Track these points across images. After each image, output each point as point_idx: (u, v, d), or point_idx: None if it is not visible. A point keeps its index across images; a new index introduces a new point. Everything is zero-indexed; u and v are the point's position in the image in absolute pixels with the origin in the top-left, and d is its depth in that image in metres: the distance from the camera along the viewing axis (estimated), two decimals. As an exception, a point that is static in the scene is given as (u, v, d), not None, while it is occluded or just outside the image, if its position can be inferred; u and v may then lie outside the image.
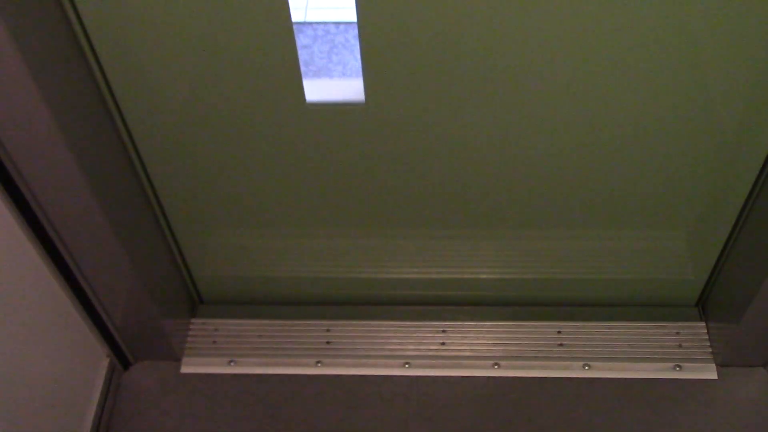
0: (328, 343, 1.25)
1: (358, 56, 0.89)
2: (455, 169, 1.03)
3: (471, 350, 1.23)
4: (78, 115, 0.86)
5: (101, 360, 1.19)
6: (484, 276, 1.24)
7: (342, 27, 2.05)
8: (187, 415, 1.19)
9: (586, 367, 1.21)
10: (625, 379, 1.19)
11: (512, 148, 1.00)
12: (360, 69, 0.90)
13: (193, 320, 1.29)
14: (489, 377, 1.21)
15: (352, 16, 0.98)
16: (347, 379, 1.22)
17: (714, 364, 1.20)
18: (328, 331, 1.26)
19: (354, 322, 1.27)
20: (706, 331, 1.24)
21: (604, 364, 1.21)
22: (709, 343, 1.22)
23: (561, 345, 1.23)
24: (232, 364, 1.24)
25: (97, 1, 0.82)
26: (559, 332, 1.24)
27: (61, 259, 1.00)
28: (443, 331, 1.26)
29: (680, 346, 1.22)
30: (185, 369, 1.24)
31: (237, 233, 1.17)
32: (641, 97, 0.91)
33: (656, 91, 0.90)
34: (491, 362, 1.22)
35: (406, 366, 1.22)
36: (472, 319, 1.26)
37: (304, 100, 0.93)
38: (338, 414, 1.18)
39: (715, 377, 1.19)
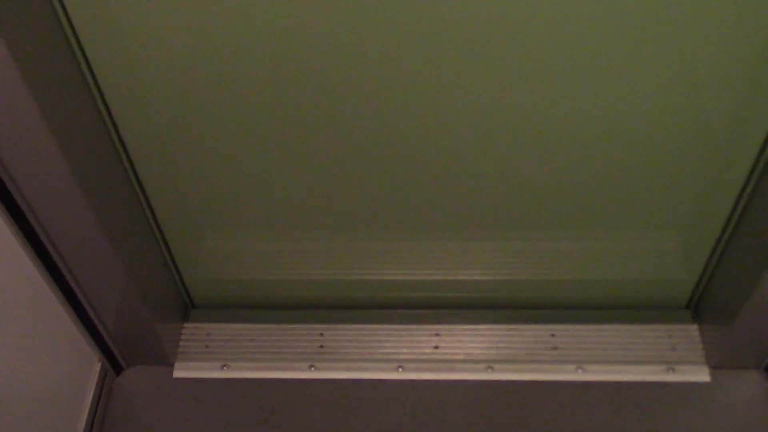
0: (321, 347, 1.25)
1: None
2: (448, 171, 1.03)
3: (464, 353, 1.23)
4: (69, 119, 0.85)
5: (93, 365, 1.19)
6: (476, 277, 1.24)
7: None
8: (179, 420, 1.18)
9: (580, 370, 1.21)
10: (619, 381, 1.19)
11: (504, 149, 1.00)
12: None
13: (185, 325, 1.29)
14: (483, 380, 1.21)
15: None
16: (340, 383, 1.21)
17: (707, 367, 1.20)
18: (321, 335, 1.26)
19: (347, 326, 1.27)
20: (698, 333, 1.24)
21: (597, 366, 1.21)
22: (701, 346, 1.22)
23: (554, 348, 1.23)
24: (224, 368, 1.23)
25: (89, 8, 0.81)
26: (552, 335, 1.24)
27: (53, 263, 1.00)
28: (437, 335, 1.26)
29: (673, 348, 1.22)
30: (178, 373, 1.23)
31: (229, 237, 1.17)
32: (631, 96, 0.91)
33: (645, 89, 0.90)
34: (485, 365, 1.22)
35: (400, 370, 1.22)
36: (465, 323, 1.26)
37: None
38: (332, 418, 1.18)
39: (708, 379, 1.19)
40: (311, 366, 1.23)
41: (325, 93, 0.92)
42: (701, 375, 1.20)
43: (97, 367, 1.19)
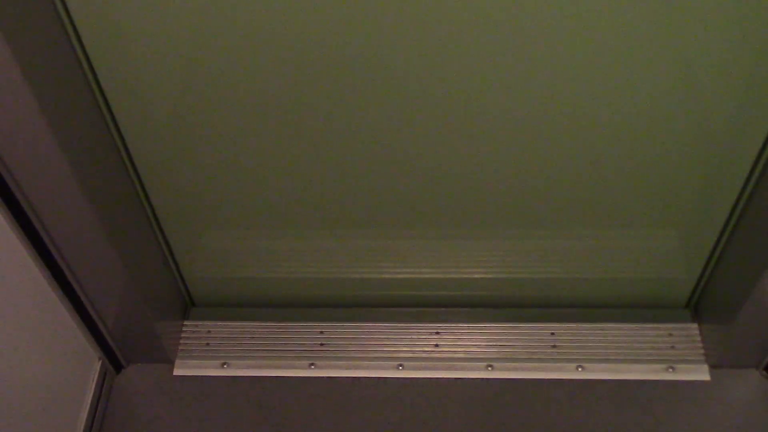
0: (321, 345, 1.25)
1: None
2: (447, 169, 1.03)
3: (465, 352, 1.23)
4: (70, 117, 0.85)
5: (93, 363, 1.19)
6: (476, 276, 1.24)
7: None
8: (179, 418, 1.18)
9: (580, 369, 1.21)
10: (619, 380, 1.20)
11: (502, 149, 1.00)
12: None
13: (185, 322, 1.29)
14: (483, 379, 1.21)
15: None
16: (341, 381, 1.21)
17: (706, 365, 1.20)
18: (321, 333, 1.26)
19: (347, 324, 1.27)
20: (698, 332, 1.24)
21: (597, 365, 1.21)
22: (701, 345, 1.23)
23: (554, 347, 1.23)
24: (225, 366, 1.23)
25: (89, 5, 0.81)
26: (552, 334, 1.25)
27: (54, 261, 1.00)
28: (437, 333, 1.26)
29: (673, 347, 1.22)
30: (178, 371, 1.23)
31: (229, 235, 1.17)
32: (631, 95, 0.91)
33: (646, 89, 0.90)
34: (485, 364, 1.22)
35: (400, 368, 1.22)
36: (465, 321, 1.26)
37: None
38: (332, 416, 1.18)
39: (708, 378, 1.20)
40: (311, 364, 1.23)
41: (325, 91, 0.92)
42: (701, 374, 1.20)
43: (97, 365, 1.19)
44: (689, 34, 0.83)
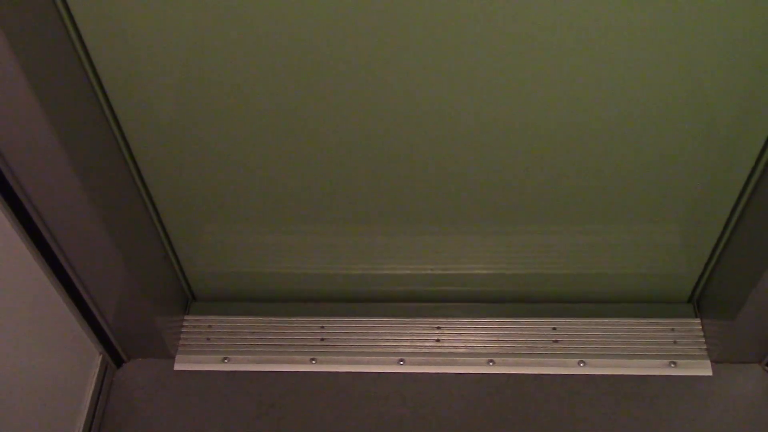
0: (322, 340, 1.25)
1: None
2: (449, 164, 1.03)
3: (466, 347, 1.23)
4: (70, 112, 0.85)
5: (94, 357, 1.19)
6: (477, 271, 1.23)
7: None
8: (180, 413, 1.19)
9: (582, 364, 1.20)
10: (620, 375, 1.19)
11: (505, 144, 0.99)
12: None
13: (186, 317, 1.29)
14: (484, 374, 1.21)
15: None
16: (341, 376, 1.21)
17: (709, 361, 1.20)
18: (322, 328, 1.26)
19: (348, 319, 1.27)
20: (701, 327, 1.24)
21: (599, 360, 1.21)
22: (704, 340, 1.22)
23: (556, 342, 1.23)
24: (225, 361, 1.23)
25: (90, 1, 0.81)
26: (554, 329, 1.24)
27: (54, 257, 0.99)
28: (438, 328, 1.25)
29: (675, 342, 1.22)
30: (179, 366, 1.23)
31: (230, 229, 1.17)
32: (634, 89, 0.91)
33: (649, 83, 0.90)
34: (486, 359, 1.22)
35: (401, 363, 1.22)
36: (466, 316, 1.26)
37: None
38: (332, 411, 1.18)
39: (710, 374, 1.19)
40: (312, 359, 1.23)
41: (325, 88, 0.91)
42: (703, 369, 1.20)
43: (98, 359, 1.19)
44: (692, 31, 0.83)
